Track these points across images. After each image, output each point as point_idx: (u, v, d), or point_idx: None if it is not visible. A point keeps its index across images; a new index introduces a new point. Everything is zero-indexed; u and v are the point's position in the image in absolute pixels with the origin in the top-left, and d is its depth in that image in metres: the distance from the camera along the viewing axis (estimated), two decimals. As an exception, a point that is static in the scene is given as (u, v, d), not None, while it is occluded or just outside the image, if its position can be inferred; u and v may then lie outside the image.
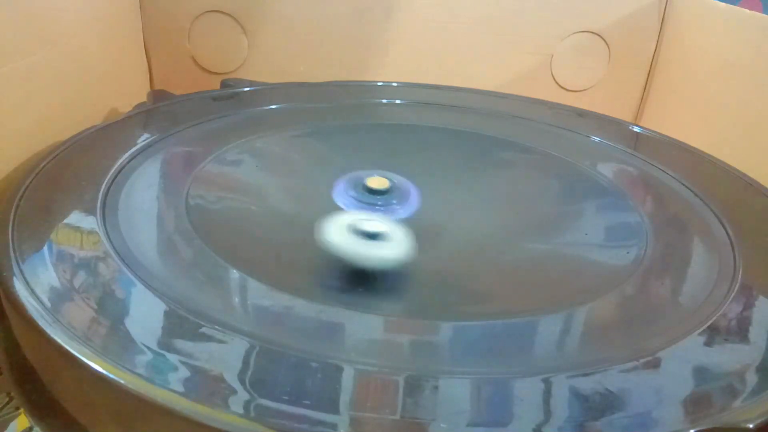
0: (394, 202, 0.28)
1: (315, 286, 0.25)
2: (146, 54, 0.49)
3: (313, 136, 0.38)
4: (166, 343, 0.20)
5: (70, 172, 0.30)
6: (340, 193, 0.28)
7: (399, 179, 0.29)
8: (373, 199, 0.28)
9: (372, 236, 0.23)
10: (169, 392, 0.18)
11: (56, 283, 0.22)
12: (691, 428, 0.18)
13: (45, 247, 0.24)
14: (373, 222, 0.24)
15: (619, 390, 0.19)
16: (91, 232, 0.25)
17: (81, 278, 0.23)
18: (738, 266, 0.26)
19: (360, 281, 0.24)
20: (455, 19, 0.49)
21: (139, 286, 0.22)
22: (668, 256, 0.28)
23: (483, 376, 0.20)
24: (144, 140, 0.33)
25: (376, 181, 0.28)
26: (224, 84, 0.44)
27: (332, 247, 0.23)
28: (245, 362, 0.19)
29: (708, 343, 0.22)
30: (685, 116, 0.46)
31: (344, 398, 0.18)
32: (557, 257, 0.28)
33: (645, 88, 0.51)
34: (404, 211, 0.28)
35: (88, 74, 0.39)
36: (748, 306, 0.24)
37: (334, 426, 0.17)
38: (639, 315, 0.24)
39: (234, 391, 0.18)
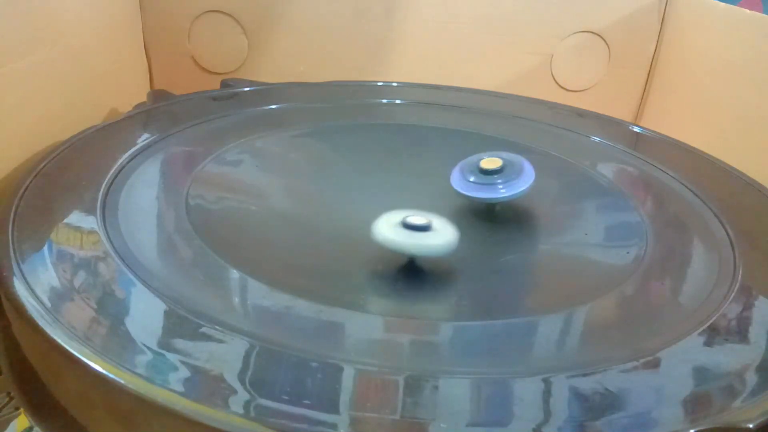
0: (514, 176, 0.28)
1: (315, 286, 0.25)
2: (146, 54, 0.49)
3: (313, 136, 0.38)
4: (166, 343, 0.20)
5: (70, 172, 0.30)
6: (459, 181, 0.28)
7: (509, 155, 0.29)
8: (491, 179, 0.28)
9: (419, 228, 0.24)
10: (169, 392, 0.18)
11: (56, 283, 0.22)
12: (691, 428, 0.18)
13: (45, 247, 0.24)
14: (418, 216, 0.25)
15: (619, 390, 0.19)
16: (91, 232, 0.25)
17: (81, 278, 0.23)
18: (738, 266, 0.26)
19: (413, 271, 0.25)
20: (455, 19, 0.49)
21: (139, 286, 0.22)
22: (668, 256, 0.28)
23: (483, 376, 0.20)
24: (144, 140, 0.33)
25: (490, 162, 0.28)
26: (224, 84, 0.44)
27: (386, 242, 0.24)
28: (245, 362, 0.19)
29: (708, 343, 0.22)
30: (685, 116, 0.46)
31: (344, 398, 0.18)
32: (557, 257, 0.28)
33: (645, 88, 0.51)
34: (523, 183, 0.28)
35: (88, 74, 0.39)
36: (748, 306, 0.24)
37: (334, 426, 0.17)
38: (639, 315, 0.24)
39: (234, 391, 0.18)
